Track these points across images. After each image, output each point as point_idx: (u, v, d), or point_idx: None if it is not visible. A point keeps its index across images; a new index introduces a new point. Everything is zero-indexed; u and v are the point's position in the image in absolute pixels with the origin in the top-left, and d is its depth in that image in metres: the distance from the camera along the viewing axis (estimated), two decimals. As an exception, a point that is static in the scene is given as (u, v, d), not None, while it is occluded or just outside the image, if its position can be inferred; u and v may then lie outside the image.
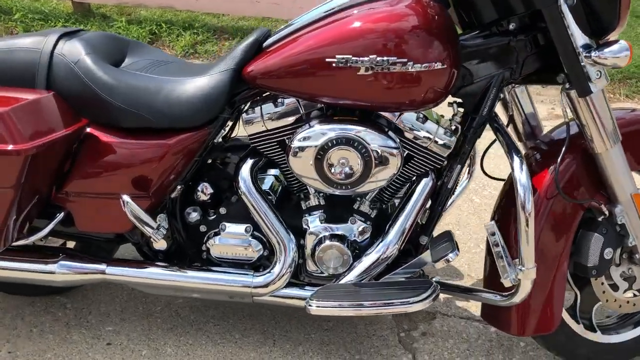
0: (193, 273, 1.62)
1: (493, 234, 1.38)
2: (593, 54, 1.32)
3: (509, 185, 1.61)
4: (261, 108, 1.55)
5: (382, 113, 1.51)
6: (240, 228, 1.63)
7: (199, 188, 1.66)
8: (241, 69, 1.52)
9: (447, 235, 1.52)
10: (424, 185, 1.56)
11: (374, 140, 1.45)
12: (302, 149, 1.48)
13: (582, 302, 1.64)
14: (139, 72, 1.60)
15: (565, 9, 1.31)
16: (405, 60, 1.36)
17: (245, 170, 1.59)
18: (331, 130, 1.46)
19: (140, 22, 4.32)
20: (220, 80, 1.52)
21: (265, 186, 1.68)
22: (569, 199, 1.47)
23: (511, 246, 1.45)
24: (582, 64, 1.34)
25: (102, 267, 1.64)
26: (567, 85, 1.42)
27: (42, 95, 1.45)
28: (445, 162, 1.55)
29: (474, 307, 1.94)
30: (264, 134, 1.56)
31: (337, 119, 1.49)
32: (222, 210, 1.65)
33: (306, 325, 1.87)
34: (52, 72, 1.53)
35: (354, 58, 1.38)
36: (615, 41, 1.33)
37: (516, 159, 1.39)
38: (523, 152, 1.58)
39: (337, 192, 1.52)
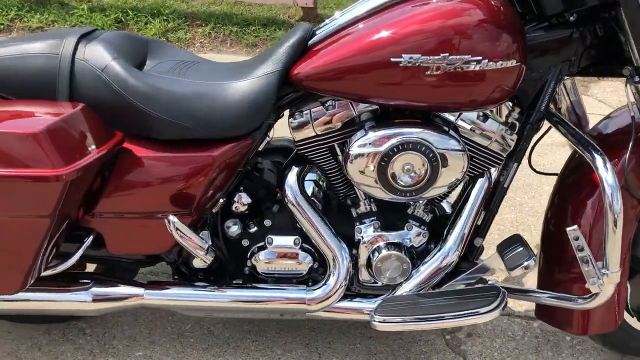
0: (241, 292, 1.50)
1: (577, 239, 1.32)
2: None
3: (564, 181, 1.57)
4: (310, 112, 1.43)
5: (441, 113, 1.42)
6: (288, 240, 1.52)
7: (235, 199, 1.53)
8: (288, 70, 1.40)
9: (518, 240, 1.46)
10: (481, 186, 1.48)
11: (440, 143, 1.36)
12: (362, 155, 1.37)
13: (633, 295, 1.63)
14: (171, 75, 1.45)
15: None
16: (479, 58, 1.27)
17: (292, 178, 1.48)
18: (396, 135, 1.35)
19: (104, 9, 4.04)
20: (266, 84, 1.39)
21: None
22: (637, 193, 1.43)
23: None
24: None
25: (139, 291, 1.49)
26: (636, 78, 1.37)
27: (74, 109, 1.27)
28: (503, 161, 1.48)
29: (512, 302, 1.89)
30: (313, 139, 1.44)
31: (398, 121, 1.39)
32: (267, 223, 1.53)
33: (349, 335, 1.78)
34: (75, 80, 1.36)
35: (424, 57, 1.28)
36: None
37: (598, 157, 1.32)
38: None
39: (401, 199, 1.42)
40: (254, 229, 1.53)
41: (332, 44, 1.38)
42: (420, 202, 1.52)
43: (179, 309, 1.53)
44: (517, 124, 1.46)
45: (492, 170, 1.49)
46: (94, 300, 1.47)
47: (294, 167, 1.49)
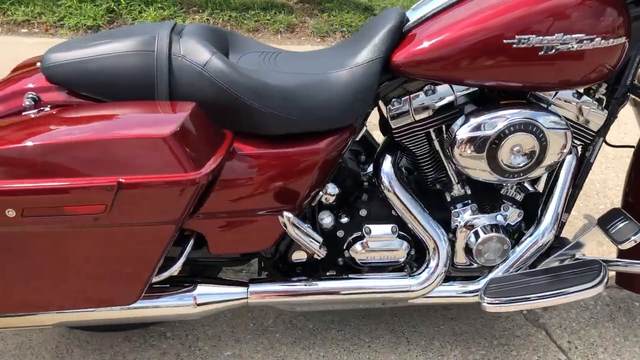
0: (345, 283, 1.49)
1: None
2: None
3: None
4: (410, 99, 1.41)
5: (539, 93, 1.43)
6: (386, 229, 1.51)
7: (323, 190, 1.50)
8: (388, 57, 1.37)
9: (620, 214, 1.49)
10: (569, 163, 1.51)
11: (547, 122, 1.37)
12: (472, 139, 1.37)
13: None
14: (263, 68, 1.40)
15: None
16: (593, 36, 1.28)
17: (388, 166, 1.47)
18: (507, 117, 1.35)
19: (93, -1, 3.88)
20: (367, 73, 1.37)
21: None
22: None
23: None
24: None
25: (244, 290, 1.46)
26: None
27: (188, 109, 1.22)
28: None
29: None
30: (411, 126, 1.43)
31: (504, 103, 1.39)
32: (362, 212, 1.52)
33: (431, 317, 1.79)
34: (175, 78, 1.30)
35: (538, 38, 1.28)
36: None
37: None
38: None
39: (508, 181, 1.43)
40: (348, 220, 1.52)
41: (432, 28, 1.36)
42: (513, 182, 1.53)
43: (283, 305, 1.51)
44: (604, 99, 1.49)
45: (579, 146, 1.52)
46: (199, 304, 1.42)
47: (387, 155, 1.48)
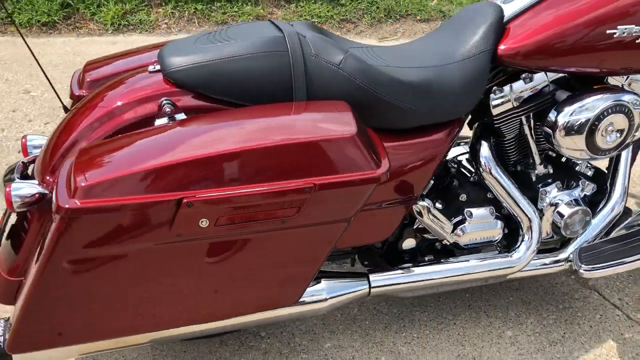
0: (457, 265, 1.58)
1: None
2: None
3: None
4: (511, 87, 1.51)
5: (615, 76, 1.58)
6: (485, 211, 1.61)
7: None
8: (494, 49, 1.46)
9: None
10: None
11: (633, 102, 1.52)
12: (574, 122, 1.49)
13: None
14: (382, 64, 1.43)
15: None
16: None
17: (486, 151, 1.57)
18: (603, 100, 1.49)
19: (44, -8, 3.59)
20: (480, 65, 1.45)
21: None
22: None
23: None
24: None
25: (365, 281, 1.50)
26: None
27: (348, 108, 1.23)
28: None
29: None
30: (511, 111, 1.54)
31: (597, 88, 1.52)
32: (462, 197, 1.60)
33: (499, 290, 1.92)
34: (311, 78, 1.30)
35: (637, 27, 1.42)
36: None
37: None
38: None
39: (599, 158, 1.57)
40: (451, 205, 1.60)
41: (534, 20, 1.46)
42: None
43: (401, 292, 1.56)
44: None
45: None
46: (328, 299, 1.44)
47: (483, 141, 1.58)
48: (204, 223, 1.08)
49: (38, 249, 1.18)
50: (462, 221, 1.60)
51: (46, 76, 1.54)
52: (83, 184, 1.03)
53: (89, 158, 1.10)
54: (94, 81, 1.50)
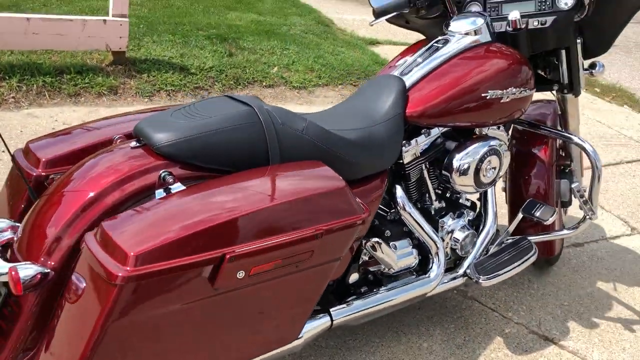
0: (397, 289, 1.89)
1: (579, 190, 2.13)
2: (593, 71, 2.18)
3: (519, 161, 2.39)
4: (416, 140, 1.90)
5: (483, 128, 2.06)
6: (405, 243, 1.94)
7: None
8: (404, 112, 1.84)
9: (536, 202, 2.19)
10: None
11: (499, 145, 2.00)
12: (464, 166, 1.92)
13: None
14: (334, 128, 1.70)
15: (578, 48, 2.12)
16: (522, 88, 1.97)
17: (401, 193, 1.92)
18: (482, 146, 1.95)
19: None
20: (397, 124, 1.82)
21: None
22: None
23: None
24: (582, 77, 2.19)
25: (327, 315, 1.71)
26: (565, 92, 2.25)
27: (325, 165, 1.48)
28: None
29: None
30: (416, 160, 1.92)
31: (476, 137, 1.98)
32: (387, 233, 1.92)
33: (405, 312, 2.26)
34: (282, 143, 1.53)
35: (499, 92, 1.90)
36: (597, 62, 2.22)
37: (585, 143, 2.16)
38: None
39: (480, 190, 2.01)
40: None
41: (426, 89, 1.87)
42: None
43: (354, 320, 1.80)
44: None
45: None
46: (302, 336, 1.63)
47: (397, 185, 1.92)
48: (241, 274, 1.23)
49: (64, 326, 1.21)
50: (389, 253, 1.92)
51: None
52: (134, 252, 1.12)
53: (126, 229, 1.19)
54: (52, 160, 1.54)
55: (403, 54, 2.11)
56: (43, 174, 1.53)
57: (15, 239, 1.41)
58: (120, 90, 3.73)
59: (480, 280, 2.03)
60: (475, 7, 2.14)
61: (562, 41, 2.10)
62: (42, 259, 1.31)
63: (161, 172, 1.39)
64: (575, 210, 2.69)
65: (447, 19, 2.15)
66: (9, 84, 3.48)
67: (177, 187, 1.39)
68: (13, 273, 1.23)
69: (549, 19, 2.05)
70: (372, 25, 2.24)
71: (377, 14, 2.09)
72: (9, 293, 1.32)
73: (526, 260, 2.13)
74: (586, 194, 2.25)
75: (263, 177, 1.39)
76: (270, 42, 4.83)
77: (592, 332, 2.34)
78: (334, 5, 6.89)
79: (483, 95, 1.89)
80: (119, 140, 1.59)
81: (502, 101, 1.93)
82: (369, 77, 4.72)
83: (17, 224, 1.45)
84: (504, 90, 1.92)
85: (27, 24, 3.49)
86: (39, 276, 1.26)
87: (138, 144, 1.46)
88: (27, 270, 1.25)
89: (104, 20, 3.71)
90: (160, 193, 1.37)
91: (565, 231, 2.30)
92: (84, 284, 1.19)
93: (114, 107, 3.58)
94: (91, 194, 1.35)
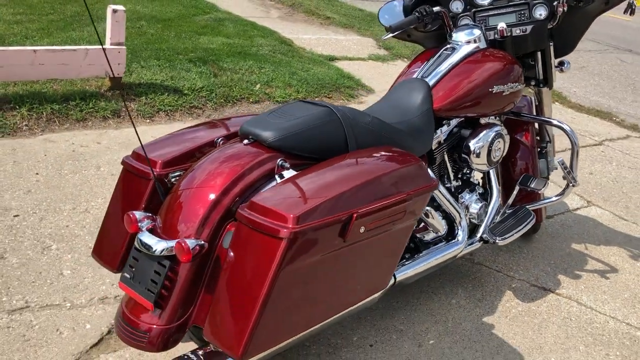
0: (439, 253, 2.29)
1: (562, 163, 2.64)
2: (563, 67, 2.71)
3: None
4: (441, 130, 2.34)
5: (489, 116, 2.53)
6: (438, 214, 2.37)
7: None
8: (432, 107, 2.27)
9: (529, 176, 2.67)
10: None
11: (502, 130, 2.48)
12: (479, 147, 2.37)
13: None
14: (386, 122, 2.11)
15: (551, 49, 2.65)
16: (518, 83, 2.45)
17: (433, 173, 2.34)
18: (491, 132, 2.41)
19: None
20: (429, 116, 2.24)
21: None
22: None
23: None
24: (554, 73, 2.72)
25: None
26: (541, 85, 2.76)
27: (395, 148, 1.89)
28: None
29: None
30: (440, 147, 2.36)
31: (483, 125, 2.44)
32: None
33: (431, 288, 2.67)
34: (355, 134, 1.91)
35: (502, 86, 2.37)
36: (564, 60, 2.75)
37: (564, 125, 2.67)
38: None
39: (491, 168, 2.47)
40: None
41: (446, 87, 2.31)
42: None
43: (415, 277, 2.19)
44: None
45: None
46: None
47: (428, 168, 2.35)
48: (362, 230, 1.60)
49: (229, 281, 1.54)
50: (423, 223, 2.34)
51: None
52: (293, 215, 1.48)
53: (275, 201, 1.53)
54: (168, 161, 1.85)
55: (415, 62, 2.54)
56: (162, 173, 1.84)
57: (156, 225, 1.72)
58: (122, 114, 3.98)
59: (497, 241, 2.48)
60: (466, 20, 2.61)
61: (539, 45, 2.62)
62: (193, 237, 1.63)
63: (278, 160, 1.75)
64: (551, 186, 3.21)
65: (442, 32, 2.62)
66: (20, 113, 3.66)
67: (290, 172, 1.75)
68: (183, 244, 1.55)
69: (529, 27, 2.55)
70: (385, 39, 2.67)
71: (393, 29, 2.52)
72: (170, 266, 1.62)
73: (528, 223, 2.61)
74: (568, 167, 2.76)
75: (359, 158, 1.78)
76: (247, 62, 5.19)
77: (578, 281, 2.85)
78: (288, 27, 7.32)
79: (490, 90, 2.36)
80: (221, 141, 1.93)
81: (503, 94, 2.41)
82: (340, 89, 5.17)
83: (149, 214, 1.76)
84: (505, 85, 2.40)
85: (34, 55, 3.70)
86: (197, 248, 1.58)
87: (249, 142, 1.81)
88: (191, 242, 1.57)
89: (104, 49, 3.95)
90: (279, 177, 1.73)
91: (554, 197, 2.80)
92: (247, 247, 1.52)
93: (120, 129, 3.83)
94: (226, 182, 1.69)
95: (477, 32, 2.49)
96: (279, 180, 1.73)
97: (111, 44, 4.00)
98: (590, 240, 3.29)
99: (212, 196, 1.68)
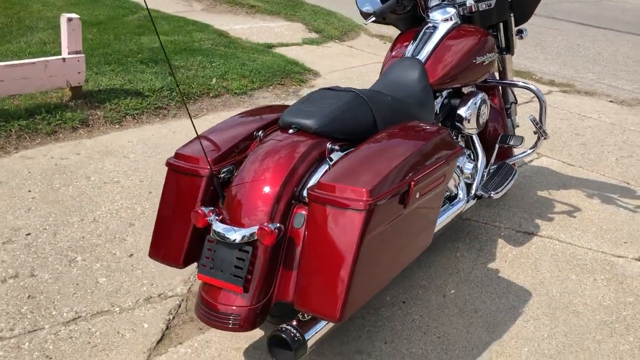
0: (459, 204, 2.57)
1: (534, 119, 2.97)
2: (522, 34, 3.03)
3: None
4: (435, 102, 2.60)
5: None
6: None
7: None
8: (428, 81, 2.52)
9: (507, 135, 2.98)
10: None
11: (484, 96, 2.77)
12: (470, 114, 2.65)
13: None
14: (400, 98, 2.33)
15: (512, 20, 2.96)
16: (493, 53, 2.74)
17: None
18: (478, 99, 2.69)
19: None
20: (429, 90, 2.49)
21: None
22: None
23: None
24: (515, 40, 3.04)
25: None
26: (504, 52, 3.08)
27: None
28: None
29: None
30: (436, 116, 2.62)
31: (468, 93, 2.71)
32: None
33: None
34: (381, 114, 2.12)
35: (482, 57, 2.65)
36: (522, 29, 3.07)
37: (532, 86, 2.99)
38: None
39: (479, 130, 2.75)
40: None
41: (436, 61, 2.56)
42: None
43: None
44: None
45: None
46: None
47: None
48: (418, 195, 1.82)
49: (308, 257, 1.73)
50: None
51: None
52: (366, 189, 1.67)
53: (343, 179, 1.72)
54: (217, 158, 1.98)
55: (399, 43, 2.77)
56: (216, 169, 1.97)
57: (224, 216, 1.85)
58: (91, 122, 3.96)
59: (492, 195, 2.79)
60: (434, 1, 2.86)
61: (502, 16, 2.92)
62: (268, 222, 1.78)
63: (327, 144, 1.93)
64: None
65: (413, 14, 2.85)
66: (-12, 131, 3.57)
67: (337, 154, 1.94)
68: (266, 228, 1.71)
69: (493, 2, 2.84)
70: (366, 24, 2.88)
71: (378, 14, 2.72)
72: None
73: (514, 176, 2.94)
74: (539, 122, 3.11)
75: (400, 133, 2.00)
76: (196, 57, 5.23)
77: (552, 223, 3.23)
78: (216, 19, 7.34)
79: (474, 61, 2.63)
80: (261, 134, 2.07)
81: (484, 64, 2.69)
82: (290, 76, 5.33)
83: (212, 208, 1.89)
84: (485, 56, 2.68)
85: (-6, 72, 3.60)
86: (277, 231, 1.74)
87: (294, 131, 1.97)
88: (272, 226, 1.73)
89: (63, 59, 3.90)
90: (330, 159, 1.91)
91: (529, 150, 3.14)
92: (326, 223, 1.70)
93: (93, 137, 3.82)
94: (286, 169, 1.85)
95: (452, 10, 2.75)
96: (330, 162, 1.91)
97: (69, 53, 3.95)
98: (550, 187, 3.70)
99: (278, 183, 1.83)
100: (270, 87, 5.05)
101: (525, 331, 2.37)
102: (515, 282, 2.68)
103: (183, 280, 2.49)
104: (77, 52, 3.99)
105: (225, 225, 1.81)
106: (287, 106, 2.23)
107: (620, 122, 5.11)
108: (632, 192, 3.76)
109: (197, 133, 1.97)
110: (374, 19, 2.79)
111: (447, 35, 2.66)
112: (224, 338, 2.18)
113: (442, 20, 2.73)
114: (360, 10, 2.90)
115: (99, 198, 3.10)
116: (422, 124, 2.14)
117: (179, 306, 2.34)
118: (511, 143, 2.98)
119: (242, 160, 2.01)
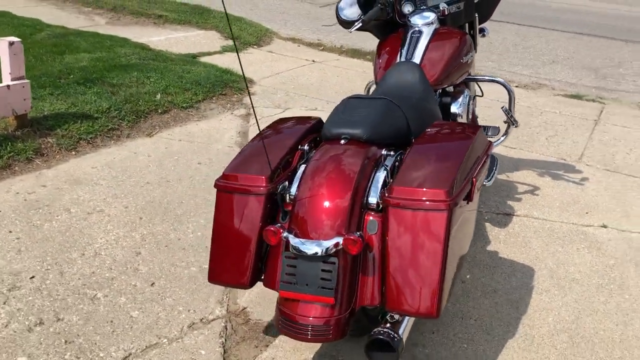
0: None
1: (505, 110, 3.23)
2: (485, 33, 3.29)
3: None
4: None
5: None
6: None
7: None
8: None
9: (489, 126, 3.21)
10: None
11: (469, 92, 2.98)
12: (462, 110, 2.86)
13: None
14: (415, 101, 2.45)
15: (477, 20, 3.21)
16: (473, 52, 2.96)
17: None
18: (466, 95, 2.90)
19: None
20: (432, 90, 2.64)
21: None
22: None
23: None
24: (478, 38, 3.29)
25: None
26: None
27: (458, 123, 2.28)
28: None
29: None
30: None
31: (455, 92, 2.91)
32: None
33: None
34: (411, 116, 2.24)
35: (466, 56, 2.86)
36: (484, 27, 3.33)
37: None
38: None
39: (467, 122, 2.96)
40: None
41: (430, 63, 2.73)
42: None
43: None
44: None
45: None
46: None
47: None
48: (475, 190, 1.96)
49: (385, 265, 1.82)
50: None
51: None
52: (443, 190, 1.78)
53: (416, 183, 1.82)
54: (272, 174, 2.00)
55: (387, 49, 2.90)
56: (272, 186, 1.98)
57: (296, 232, 1.88)
58: (45, 151, 3.71)
59: (486, 183, 3.00)
60: (409, 6, 3.02)
61: (469, 17, 3.16)
62: (346, 233, 1.84)
63: (383, 151, 2.01)
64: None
65: (387, 21, 3.00)
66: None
67: (391, 159, 2.03)
68: (353, 238, 1.77)
69: (461, 4, 3.06)
70: (350, 32, 2.99)
71: (366, 21, 2.84)
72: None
73: (496, 163, 3.18)
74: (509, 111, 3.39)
75: (443, 135, 2.13)
76: (130, 74, 5.03)
77: (523, 202, 3.53)
78: (126, 31, 7.06)
79: (461, 60, 2.83)
80: (306, 147, 2.11)
81: (468, 62, 2.90)
82: (229, 85, 5.29)
83: (280, 224, 1.92)
84: (467, 55, 2.89)
85: (-63, 107, 3.27)
86: (360, 239, 1.81)
87: (345, 141, 2.03)
88: (355, 235, 1.79)
89: (8, 86, 3.62)
90: (385, 166, 2.00)
91: (502, 138, 3.41)
92: (409, 226, 1.79)
93: (52, 167, 3.59)
94: (353, 179, 1.91)
95: (432, 15, 2.93)
96: (387, 168, 2.00)
97: (12, 80, 3.67)
98: (506, 170, 4.03)
99: (347, 193, 1.89)
100: (214, 98, 4.99)
101: (542, 303, 2.61)
102: (516, 260, 2.93)
103: (218, 302, 2.46)
104: (20, 78, 3.71)
105: (304, 240, 1.84)
106: (306, 117, 2.29)
107: (534, 104, 5.63)
108: (572, 167, 4.19)
109: (267, 156, 1.98)
110: (359, 26, 2.91)
111: (432, 38, 2.83)
112: (287, 352, 2.20)
113: (423, 24, 2.90)
114: (341, 19, 2.99)
115: (90, 230, 2.95)
116: (452, 124, 2.29)
117: (226, 328, 2.32)
118: (489, 133, 3.22)
119: (292, 174, 2.04)
